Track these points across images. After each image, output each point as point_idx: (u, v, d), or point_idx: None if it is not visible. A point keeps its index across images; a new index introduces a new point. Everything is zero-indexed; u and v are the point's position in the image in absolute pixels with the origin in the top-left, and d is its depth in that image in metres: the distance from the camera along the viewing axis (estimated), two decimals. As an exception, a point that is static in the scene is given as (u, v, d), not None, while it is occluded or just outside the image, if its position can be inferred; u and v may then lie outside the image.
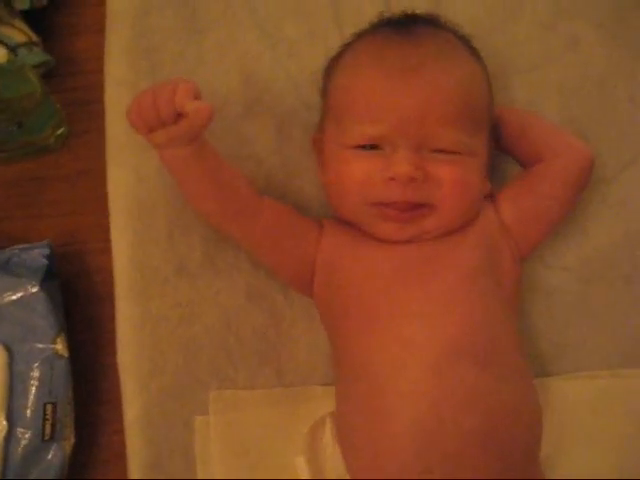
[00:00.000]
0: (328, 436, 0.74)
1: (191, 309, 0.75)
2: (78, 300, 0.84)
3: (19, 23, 0.82)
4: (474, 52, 0.78)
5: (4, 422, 0.75)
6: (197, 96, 0.64)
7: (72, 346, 0.81)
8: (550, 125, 0.82)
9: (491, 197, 0.78)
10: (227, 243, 0.77)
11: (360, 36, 0.79)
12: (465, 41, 0.78)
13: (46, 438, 0.76)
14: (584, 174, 0.78)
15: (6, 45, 0.79)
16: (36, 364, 0.76)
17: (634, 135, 0.86)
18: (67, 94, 0.86)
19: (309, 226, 0.76)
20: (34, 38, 0.82)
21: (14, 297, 0.76)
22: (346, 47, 0.78)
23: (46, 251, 0.79)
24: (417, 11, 0.83)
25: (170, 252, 0.75)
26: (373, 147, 0.70)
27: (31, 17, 0.85)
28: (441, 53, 0.73)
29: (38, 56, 0.82)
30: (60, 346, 0.77)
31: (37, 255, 0.79)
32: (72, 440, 0.78)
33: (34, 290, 0.76)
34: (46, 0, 0.86)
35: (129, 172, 0.74)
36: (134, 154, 0.74)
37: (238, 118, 0.81)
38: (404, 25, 0.76)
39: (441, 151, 0.70)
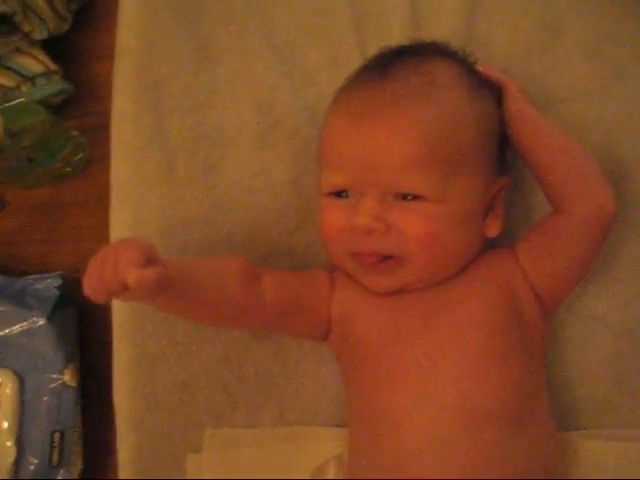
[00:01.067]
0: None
1: (189, 347, 0.74)
2: (94, 324, 0.86)
3: (38, 52, 0.82)
4: (472, 87, 0.71)
5: (14, 448, 0.77)
6: (149, 257, 0.57)
7: (87, 367, 0.83)
8: (573, 157, 0.72)
9: (510, 244, 0.73)
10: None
11: (352, 75, 0.74)
12: (467, 76, 0.71)
13: (54, 464, 0.78)
14: (605, 229, 0.71)
15: (23, 75, 0.80)
16: (45, 394, 0.78)
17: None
18: (87, 119, 0.87)
19: (318, 285, 0.72)
20: (52, 67, 0.83)
21: (25, 328, 0.78)
22: (338, 91, 0.73)
23: (58, 282, 0.81)
24: (445, 39, 0.79)
25: (169, 293, 0.74)
26: (347, 194, 0.67)
27: (52, 43, 0.86)
28: (407, 94, 0.67)
29: (57, 85, 0.83)
30: (68, 377, 0.79)
31: (49, 285, 0.80)
32: (79, 466, 0.81)
33: (42, 322, 0.78)
34: (67, 26, 0.86)
35: (131, 209, 0.74)
36: (136, 191, 0.74)
37: (252, 148, 0.79)
38: (387, 61, 0.71)
39: (407, 196, 0.66)
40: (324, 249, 0.73)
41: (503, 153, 0.74)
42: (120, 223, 0.73)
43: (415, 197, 0.66)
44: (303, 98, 0.80)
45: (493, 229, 0.72)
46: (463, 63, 0.74)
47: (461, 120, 0.68)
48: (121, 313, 0.73)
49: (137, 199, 0.73)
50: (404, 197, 0.66)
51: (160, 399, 0.73)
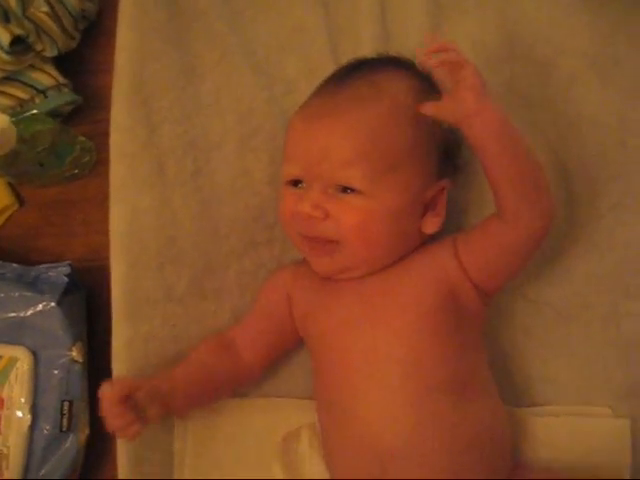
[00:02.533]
0: (305, 445, 0.82)
1: (179, 329, 0.84)
2: (101, 309, 0.94)
3: (49, 68, 0.93)
4: (422, 97, 0.77)
5: (29, 415, 0.88)
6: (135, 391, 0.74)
7: (95, 347, 0.92)
8: (522, 173, 0.73)
9: (453, 237, 0.79)
10: (214, 272, 0.86)
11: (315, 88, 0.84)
12: (420, 87, 0.79)
13: (63, 429, 0.88)
14: (544, 240, 0.77)
15: (36, 89, 0.91)
16: (55, 368, 0.89)
17: (622, 177, 0.87)
18: (95, 126, 0.97)
19: (278, 308, 0.84)
20: (62, 80, 0.93)
21: (38, 310, 0.89)
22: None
23: (67, 270, 0.91)
24: (411, 55, 0.86)
25: (160, 280, 0.84)
26: (302, 184, 0.77)
27: (64, 58, 0.96)
28: (353, 100, 0.76)
29: (66, 96, 0.93)
30: (75, 353, 0.89)
31: (59, 273, 0.91)
32: (86, 432, 0.91)
33: (52, 305, 0.88)
34: (75, 44, 0.96)
35: (127, 208, 0.84)
36: (131, 193, 0.84)
37: (235, 153, 0.88)
38: (345, 72, 0.81)
39: (346, 189, 0.75)
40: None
41: (448, 161, 0.82)
42: (117, 220, 0.83)
43: (352, 190, 0.75)
44: (280, 106, 0.90)
45: (431, 226, 0.79)
46: (421, 78, 0.82)
47: (399, 126, 0.77)
48: (118, 299, 0.84)
49: (132, 199, 0.84)
50: (343, 190, 0.75)
51: (152, 372, 0.82)
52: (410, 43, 0.92)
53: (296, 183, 0.78)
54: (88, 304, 0.96)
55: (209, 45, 0.88)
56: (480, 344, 0.80)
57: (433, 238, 0.81)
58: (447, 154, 0.82)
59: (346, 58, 0.89)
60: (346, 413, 0.75)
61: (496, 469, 0.75)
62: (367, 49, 0.91)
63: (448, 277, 0.77)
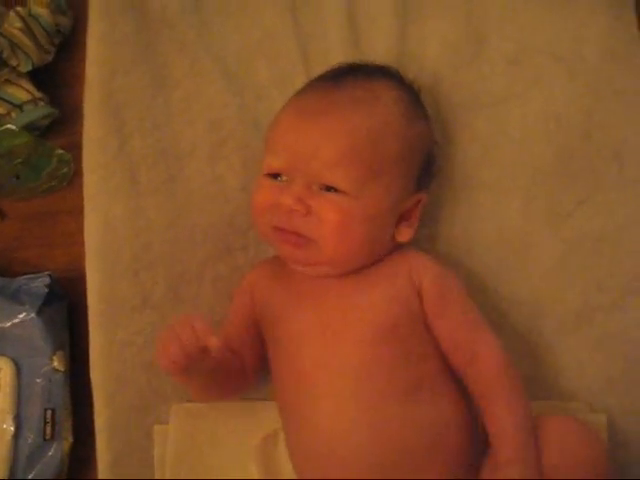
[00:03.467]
0: (282, 447, 0.83)
1: (155, 334, 0.85)
2: (83, 318, 0.94)
3: (25, 83, 0.95)
4: (410, 109, 0.81)
5: (12, 425, 0.89)
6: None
7: (77, 355, 0.93)
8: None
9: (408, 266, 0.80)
10: (190, 278, 0.87)
11: (307, 82, 0.86)
12: (408, 99, 0.82)
13: (47, 438, 0.90)
14: None
15: (12, 103, 0.92)
16: (38, 377, 0.90)
17: (589, 172, 0.88)
18: (72, 138, 0.97)
19: (245, 303, 0.84)
20: (37, 95, 0.95)
21: (19, 321, 0.90)
22: (294, 94, 0.84)
23: (47, 280, 0.92)
24: (379, 58, 0.89)
25: (136, 286, 0.85)
26: (282, 178, 0.78)
27: (41, 71, 0.98)
28: (349, 102, 0.78)
29: (42, 110, 0.95)
30: (57, 362, 0.90)
31: (39, 284, 0.92)
32: (70, 440, 0.92)
33: (33, 316, 0.90)
34: (50, 58, 0.98)
35: (100, 217, 0.85)
36: (104, 202, 0.85)
37: (206, 160, 0.90)
38: (340, 73, 0.82)
39: (330, 189, 0.76)
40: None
41: (427, 173, 0.85)
42: (91, 229, 0.85)
43: (336, 190, 0.76)
44: (252, 113, 0.91)
45: (404, 235, 0.82)
46: (408, 89, 0.85)
47: (390, 135, 0.79)
48: (94, 307, 0.85)
49: (105, 209, 0.85)
50: (327, 188, 0.76)
51: (129, 378, 0.84)
52: (379, 46, 0.93)
53: (276, 176, 0.79)
54: (70, 314, 0.97)
55: (179, 54, 0.90)
56: (437, 349, 0.80)
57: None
58: (426, 168, 0.84)
59: (316, 63, 0.92)
60: (302, 421, 0.76)
61: (457, 467, 0.75)
62: (336, 54, 0.92)
63: (406, 296, 0.79)
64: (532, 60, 0.90)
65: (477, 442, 0.77)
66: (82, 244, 0.89)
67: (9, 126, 0.86)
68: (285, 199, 0.76)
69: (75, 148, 0.97)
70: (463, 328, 0.79)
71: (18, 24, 0.92)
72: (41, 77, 0.99)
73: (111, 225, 0.85)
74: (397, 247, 0.82)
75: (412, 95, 0.84)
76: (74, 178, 0.99)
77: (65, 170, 0.97)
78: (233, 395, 0.85)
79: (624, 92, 0.87)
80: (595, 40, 0.88)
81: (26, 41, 0.92)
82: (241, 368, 0.82)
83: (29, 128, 0.93)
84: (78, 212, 0.94)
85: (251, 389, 0.86)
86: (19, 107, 0.93)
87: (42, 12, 0.95)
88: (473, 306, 0.80)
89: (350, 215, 0.76)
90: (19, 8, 0.95)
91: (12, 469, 0.89)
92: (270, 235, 0.80)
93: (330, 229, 0.76)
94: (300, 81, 0.89)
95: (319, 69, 0.88)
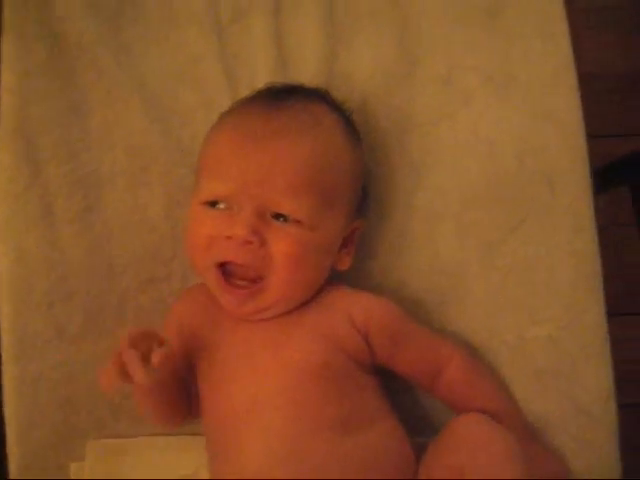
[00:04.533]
0: None
1: (72, 368, 0.83)
2: None
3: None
4: (349, 133, 0.79)
5: None
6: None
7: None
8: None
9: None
10: (110, 310, 0.85)
11: (239, 102, 0.83)
12: (344, 122, 0.80)
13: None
14: None
15: None
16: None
17: (522, 198, 0.84)
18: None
19: (174, 335, 0.80)
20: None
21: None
22: (224, 113, 0.82)
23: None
24: (309, 79, 0.87)
25: (50, 319, 0.83)
26: (222, 206, 0.74)
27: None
28: (297, 127, 0.75)
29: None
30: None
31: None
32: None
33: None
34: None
35: (12, 248, 0.83)
36: (16, 232, 0.83)
37: (127, 189, 0.87)
38: (279, 95, 0.79)
39: (282, 217, 0.72)
40: (190, 261, 0.80)
41: (364, 199, 0.83)
42: (3, 260, 0.82)
43: (286, 219, 0.73)
44: (176, 139, 0.88)
45: (344, 263, 0.80)
46: (341, 112, 0.82)
47: (340, 160, 0.77)
48: (6, 339, 0.82)
49: (17, 239, 0.83)
50: (277, 217, 0.73)
51: (44, 414, 0.82)
52: (308, 68, 0.90)
53: (214, 204, 0.75)
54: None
55: (96, 81, 0.87)
56: (371, 379, 0.77)
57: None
58: (362, 194, 0.82)
59: (243, 86, 0.89)
60: (231, 458, 0.73)
61: None
62: (263, 76, 0.89)
63: (343, 335, 0.76)
64: (463, 80, 0.86)
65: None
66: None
67: None
68: (238, 229, 0.71)
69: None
70: (421, 355, 0.78)
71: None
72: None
73: (24, 257, 0.83)
74: (329, 281, 0.80)
75: (346, 118, 0.81)
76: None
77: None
78: (184, 418, 0.81)
79: (556, 114, 0.83)
80: (526, 60, 0.84)
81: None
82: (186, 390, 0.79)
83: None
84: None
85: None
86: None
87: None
88: (418, 327, 0.80)
89: (305, 247, 0.73)
90: None
91: None
92: (211, 274, 0.75)
93: (284, 261, 0.73)
94: (226, 104, 0.86)
95: (246, 91, 0.85)
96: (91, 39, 0.87)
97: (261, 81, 0.87)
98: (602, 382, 0.80)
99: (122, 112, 0.87)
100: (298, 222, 0.73)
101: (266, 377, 0.73)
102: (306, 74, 0.89)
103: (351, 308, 0.77)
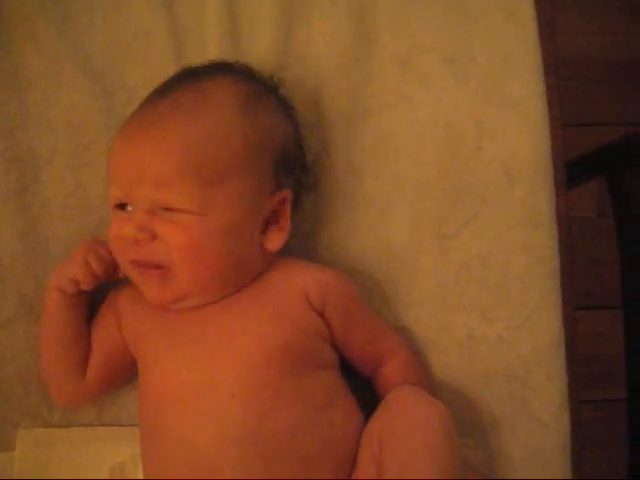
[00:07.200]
0: (133, 474, 0.78)
1: (2, 354, 0.80)
2: None
3: None
4: (248, 104, 0.74)
5: None
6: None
7: None
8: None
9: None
10: (44, 292, 0.80)
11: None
12: (248, 93, 0.74)
13: None
14: None
15: None
16: None
17: (479, 187, 0.79)
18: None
19: (106, 323, 0.79)
20: None
21: None
22: None
23: None
24: (262, 55, 0.83)
25: (-19, 303, 0.80)
26: (130, 208, 0.72)
27: None
28: (174, 112, 0.71)
29: None
30: None
31: None
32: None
33: None
34: None
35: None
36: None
37: (67, 168, 0.83)
38: (165, 86, 0.76)
39: (170, 209, 0.70)
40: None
41: (287, 170, 0.76)
42: None
43: (176, 209, 0.70)
44: (120, 116, 0.83)
45: (274, 242, 0.74)
46: (256, 83, 0.77)
47: (225, 136, 0.72)
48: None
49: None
50: (168, 210, 0.70)
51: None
52: (260, 44, 0.85)
53: (123, 206, 0.73)
54: None
55: (36, 52, 0.82)
56: (330, 357, 0.75)
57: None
58: (285, 164, 0.76)
59: (191, 62, 0.83)
60: (179, 443, 0.70)
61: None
62: (215, 51, 0.84)
63: (300, 313, 0.73)
64: (420, 61, 0.82)
65: None
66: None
67: None
68: (126, 230, 0.71)
69: None
70: (368, 340, 0.77)
71: None
72: None
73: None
74: (277, 256, 0.76)
75: (261, 88, 0.76)
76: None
77: None
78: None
79: (516, 98, 0.78)
80: (487, 41, 0.79)
81: None
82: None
83: None
84: None
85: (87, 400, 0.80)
86: None
87: None
88: (371, 312, 0.79)
89: (196, 233, 0.70)
90: None
91: None
92: (130, 271, 0.74)
93: (178, 251, 0.70)
94: (176, 82, 0.81)
95: (196, 69, 0.80)
96: (32, 8, 0.82)
97: (212, 57, 0.82)
98: (555, 388, 0.76)
99: (63, 87, 0.83)
100: (184, 210, 0.70)
101: (221, 363, 0.71)
102: (257, 51, 0.85)
103: (306, 284, 0.74)
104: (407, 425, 0.66)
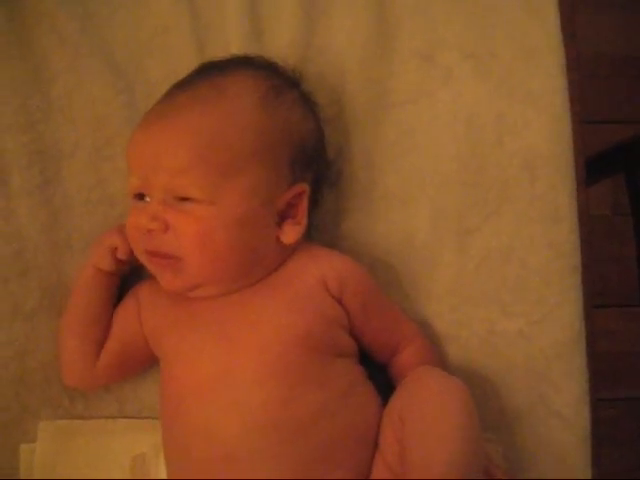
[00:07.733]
0: (155, 465, 0.80)
1: (25, 346, 0.80)
2: None
3: None
4: (267, 97, 0.74)
5: None
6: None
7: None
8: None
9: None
10: (68, 287, 0.81)
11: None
12: (267, 87, 0.75)
13: None
14: None
15: None
16: None
17: (500, 182, 0.79)
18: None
19: (127, 317, 0.80)
20: None
21: None
22: None
23: None
24: (283, 51, 0.84)
25: (5, 296, 0.80)
26: (148, 198, 0.73)
27: None
28: (192, 103, 0.72)
29: None
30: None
31: None
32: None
33: None
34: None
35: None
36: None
37: (89, 162, 0.83)
38: (187, 79, 0.77)
39: (183, 199, 0.70)
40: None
41: (305, 164, 0.76)
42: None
43: (188, 199, 0.71)
44: (142, 111, 0.82)
45: (291, 235, 0.75)
46: (276, 77, 0.77)
47: (240, 127, 0.72)
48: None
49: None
50: (182, 199, 0.71)
51: (-6, 394, 0.80)
52: (283, 39, 0.86)
53: (142, 196, 0.74)
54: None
55: (59, 47, 0.83)
56: (350, 344, 0.76)
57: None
58: (303, 159, 0.76)
59: (214, 56, 0.84)
60: (201, 432, 0.71)
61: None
62: (236, 47, 0.85)
63: (319, 301, 0.74)
64: (442, 57, 0.82)
65: None
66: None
67: None
68: (140, 219, 0.72)
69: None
70: (385, 327, 0.78)
71: None
72: None
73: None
74: (298, 247, 0.77)
75: (282, 83, 0.77)
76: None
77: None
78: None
79: (538, 93, 0.78)
80: (508, 36, 0.79)
81: None
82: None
83: None
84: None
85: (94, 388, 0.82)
86: None
87: None
88: (388, 301, 0.80)
89: (210, 223, 0.71)
90: None
91: None
92: (146, 260, 0.75)
93: (190, 241, 0.71)
94: (197, 78, 0.82)
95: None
96: (53, 3, 0.83)
97: (234, 51, 0.83)
98: (575, 383, 0.76)
99: (85, 82, 0.83)
100: (195, 200, 0.70)
101: (242, 353, 0.72)
102: (280, 46, 0.85)
103: (325, 272, 0.75)
104: (426, 398, 0.67)
